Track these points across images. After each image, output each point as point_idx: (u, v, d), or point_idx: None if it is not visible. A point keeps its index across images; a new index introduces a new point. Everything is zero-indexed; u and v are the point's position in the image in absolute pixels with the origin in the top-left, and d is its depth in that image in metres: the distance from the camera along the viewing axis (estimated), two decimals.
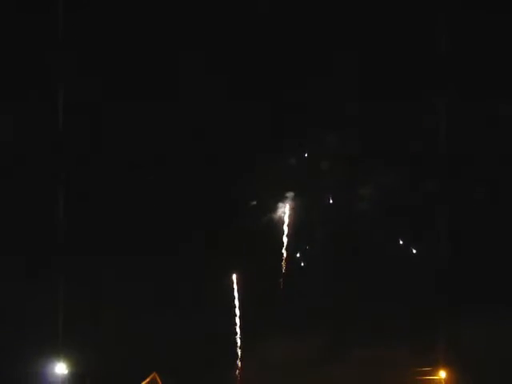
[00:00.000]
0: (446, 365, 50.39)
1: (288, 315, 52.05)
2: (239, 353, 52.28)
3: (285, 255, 54.59)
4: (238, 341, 52.46)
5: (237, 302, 53.08)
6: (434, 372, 50.70)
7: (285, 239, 54.74)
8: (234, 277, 53.21)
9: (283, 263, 54.43)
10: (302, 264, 55.20)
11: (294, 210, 54.70)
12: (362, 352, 51.66)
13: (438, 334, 50.74)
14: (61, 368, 46.52)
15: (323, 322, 51.55)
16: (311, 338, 51.23)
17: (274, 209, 54.61)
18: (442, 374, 50.41)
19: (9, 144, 50.54)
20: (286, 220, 54.55)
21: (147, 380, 48.94)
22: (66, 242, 49.64)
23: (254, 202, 54.04)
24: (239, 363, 51.85)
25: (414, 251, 54.73)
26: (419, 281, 52.78)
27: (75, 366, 47.10)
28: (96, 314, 49.55)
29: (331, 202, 55.61)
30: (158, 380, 49.53)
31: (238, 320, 52.77)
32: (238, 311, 53.01)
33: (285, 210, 54.54)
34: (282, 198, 54.65)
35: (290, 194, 54.72)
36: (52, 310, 47.22)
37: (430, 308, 51.69)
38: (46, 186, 50.63)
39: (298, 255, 55.16)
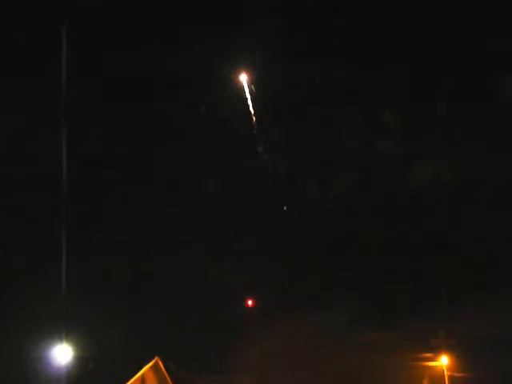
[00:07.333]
0: (448, 351, 50.90)
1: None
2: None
3: None
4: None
5: None
6: (435, 358, 51.11)
7: None
8: None
9: None
10: None
11: None
12: (363, 336, 51.83)
13: (440, 320, 51.24)
14: (64, 352, 45.01)
15: None
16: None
17: None
18: (444, 360, 50.85)
19: None
20: None
21: (150, 364, 47.92)
22: None
23: None
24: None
25: None
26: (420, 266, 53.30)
27: (79, 349, 45.69)
28: (100, 296, 48.28)
29: None
30: (161, 364, 48.61)
31: None
32: None
33: None
34: None
35: None
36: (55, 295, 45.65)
37: (432, 293, 52.25)
38: None
39: None
